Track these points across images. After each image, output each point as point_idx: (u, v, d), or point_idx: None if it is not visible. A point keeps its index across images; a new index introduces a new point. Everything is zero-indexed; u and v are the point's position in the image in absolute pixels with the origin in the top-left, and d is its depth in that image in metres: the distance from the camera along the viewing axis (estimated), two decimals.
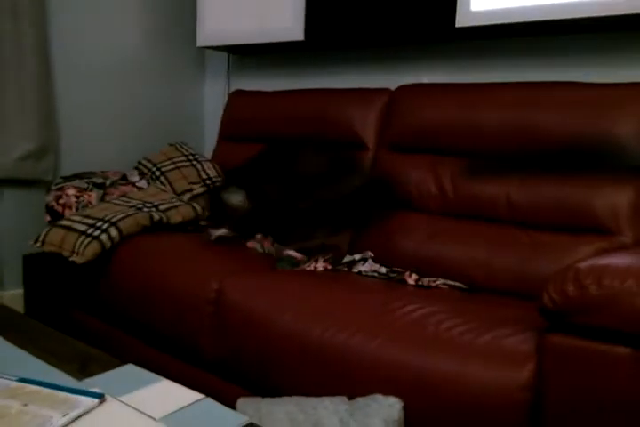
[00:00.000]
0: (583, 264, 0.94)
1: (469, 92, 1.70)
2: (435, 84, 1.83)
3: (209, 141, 2.69)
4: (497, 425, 0.97)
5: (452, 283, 1.48)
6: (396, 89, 1.90)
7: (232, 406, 1.13)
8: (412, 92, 1.83)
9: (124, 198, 1.86)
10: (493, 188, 1.57)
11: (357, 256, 1.64)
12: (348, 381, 1.12)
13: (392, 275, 1.52)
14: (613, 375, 0.88)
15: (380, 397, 1.01)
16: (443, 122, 1.71)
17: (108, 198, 1.88)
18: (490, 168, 1.57)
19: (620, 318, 0.87)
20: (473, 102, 1.66)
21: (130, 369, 0.91)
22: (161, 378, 0.89)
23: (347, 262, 1.61)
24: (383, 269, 1.57)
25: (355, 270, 1.57)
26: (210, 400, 0.83)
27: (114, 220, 1.67)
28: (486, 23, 1.61)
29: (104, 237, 1.62)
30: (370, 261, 1.63)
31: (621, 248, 1.28)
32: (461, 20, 1.65)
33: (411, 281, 1.48)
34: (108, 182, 1.95)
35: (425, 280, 1.49)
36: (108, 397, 0.81)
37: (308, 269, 1.56)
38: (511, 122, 1.58)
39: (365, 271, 1.56)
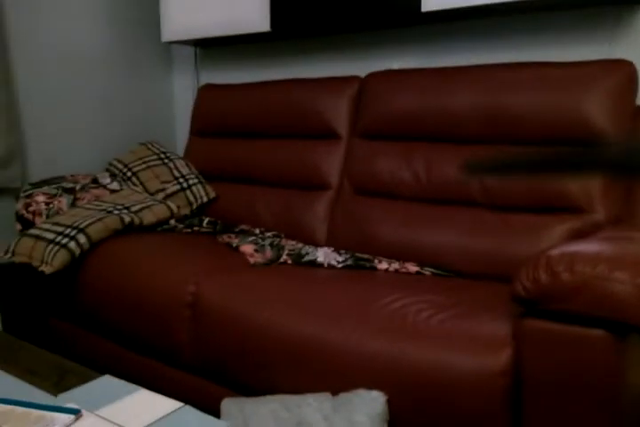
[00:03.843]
0: (554, 251, 0.94)
1: (439, 76, 1.68)
2: (404, 70, 1.80)
3: (180, 138, 2.65)
4: (479, 411, 0.98)
5: (430, 269, 1.49)
6: (366, 76, 1.88)
7: (217, 406, 1.13)
8: (381, 79, 1.81)
9: (96, 202, 1.82)
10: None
11: (305, 248, 1.63)
12: (331, 376, 1.12)
13: (360, 262, 1.52)
14: (588, 358, 0.89)
15: (362, 392, 1.01)
16: (413, 108, 1.69)
17: (79, 203, 1.84)
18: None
19: (592, 303, 0.87)
20: (442, 87, 1.65)
21: (106, 381, 0.90)
22: (138, 388, 0.88)
23: (297, 254, 1.59)
24: (341, 258, 1.56)
25: (309, 259, 1.55)
26: (189, 408, 0.82)
27: (82, 226, 1.63)
28: (452, 6, 1.59)
29: (72, 244, 1.59)
30: (320, 248, 1.62)
31: (593, 231, 1.28)
32: (427, 4, 1.63)
33: (381, 267, 1.48)
34: (78, 187, 1.91)
35: (395, 265, 1.48)
36: (84, 411, 0.80)
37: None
38: (482, 105, 1.57)
39: (322, 262, 1.53)
